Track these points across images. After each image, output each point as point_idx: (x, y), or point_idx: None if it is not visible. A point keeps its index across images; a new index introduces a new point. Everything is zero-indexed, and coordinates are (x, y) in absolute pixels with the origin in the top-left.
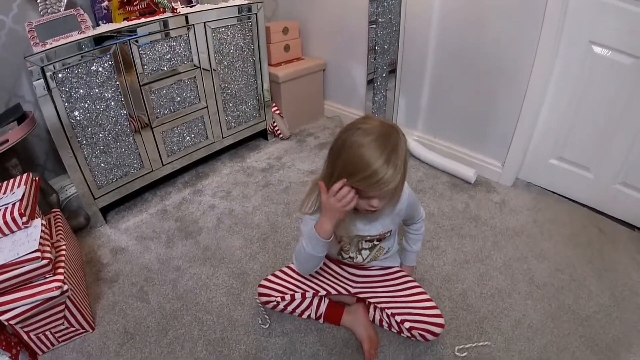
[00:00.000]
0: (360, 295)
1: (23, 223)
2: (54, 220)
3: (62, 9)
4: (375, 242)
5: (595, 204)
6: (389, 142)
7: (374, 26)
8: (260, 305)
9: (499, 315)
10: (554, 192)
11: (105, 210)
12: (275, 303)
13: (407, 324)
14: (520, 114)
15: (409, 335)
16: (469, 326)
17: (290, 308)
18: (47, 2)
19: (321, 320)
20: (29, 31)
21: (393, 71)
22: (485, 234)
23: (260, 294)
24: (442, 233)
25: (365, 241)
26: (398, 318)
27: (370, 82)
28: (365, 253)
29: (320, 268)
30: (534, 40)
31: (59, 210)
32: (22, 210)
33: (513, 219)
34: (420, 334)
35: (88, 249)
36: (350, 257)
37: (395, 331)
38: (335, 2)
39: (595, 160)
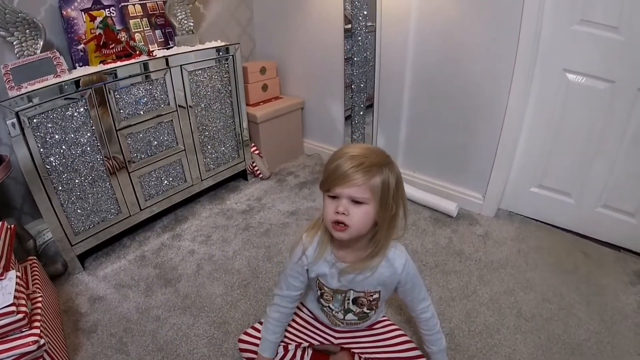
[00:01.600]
0: (345, 346)
1: None
2: (31, 269)
3: (39, 51)
4: (366, 311)
5: (578, 228)
6: (368, 153)
7: (350, 64)
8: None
9: (489, 352)
10: (537, 220)
11: (83, 257)
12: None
13: None
14: (499, 145)
15: None
16: None
17: None
18: (23, 45)
19: None
20: (4, 74)
21: (370, 106)
22: (470, 269)
23: (242, 350)
24: (427, 271)
25: (353, 304)
26: None
27: (348, 118)
28: (349, 316)
29: (302, 319)
30: (509, 72)
31: (35, 257)
32: None
33: (497, 251)
34: None
35: (66, 297)
36: (330, 308)
37: None
38: (312, 41)
39: (575, 185)
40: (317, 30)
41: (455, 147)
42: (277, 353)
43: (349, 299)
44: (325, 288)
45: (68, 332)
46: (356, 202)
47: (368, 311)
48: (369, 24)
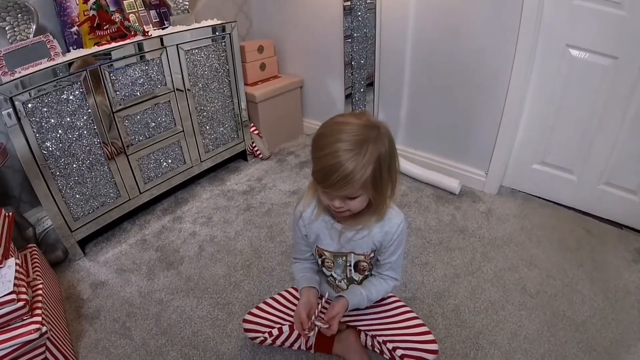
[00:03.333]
0: (350, 323)
1: None
2: (31, 256)
3: (31, 35)
4: (367, 273)
5: (581, 205)
6: (359, 135)
7: (350, 41)
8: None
9: (494, 329)
10: (539, 197)
11: (84, 243)
12: (262, 339)
13: (399, 352)
14: (501, 122)
15: None
16: (464, 343)
17: (279, 341)
18: (15, 29)
19: (312, 351)
20: None
21: (371, 84)
22: (474, 246)
23: (247, 330)
24: (430, 248)
25: (355, 270)
26: (390, 345)
27: (348, 97)
28: (352, 280)
29: None
30: (511, 48)
31: (35, 245)
32: None
33: (500, 227)
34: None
35: (67, 284)
36: (332, 277)
37: (388, 358)
38: (310, 18)
39: (578, 162)
40: (315, 7)
41: (457, 124)
42: (283, 332)
43: (350, 265)
44: (325, 253)
45: (70, 319)
46: (350, 198)
47: (369, 273)
48: (368, 0)
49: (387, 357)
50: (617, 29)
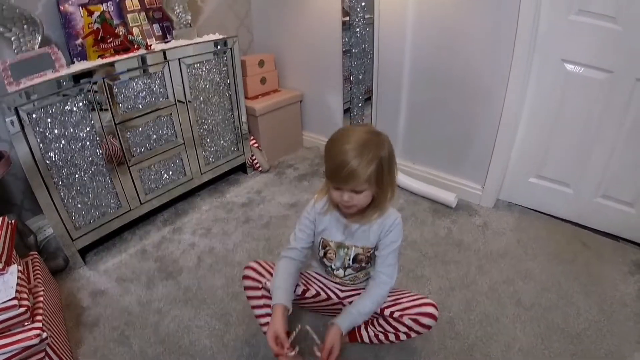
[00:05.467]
0: (349, 300)
1: None
2: (32, 264)
3: (37, 46)
4: (364, 265)
5: (577, 218)
6: (364, 139)
7: (349, 56)
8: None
9: (488, 341)
10: (536, 210)
11: (84, 251)
12: (259, 286)
13: (396, 314)
14: (497, 136)
15: (402, 329)
16: (458, 355)
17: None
18: (21, 40)
19: None
20: (2, 70)
21: (369, 99)
22: (470, 259)
23: (246, 277)
24: (426, 261)
25: (353, 262)
26: (387, 312)
27: (347, 111)
28: (348, 271)
29: (312, 271)
30: (507, 62)
31: (36, 252)
32: None
33: (496, 241)
34: (412, 319)
35: (67, 292)
36: (331, 267)
37: (385, 335)
38: (310, 33)
39: (574, 175)
40: (315, 22)
41: (454, 137)
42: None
43: (349, 257)
44: (330, 244)
45: (70, 326)
46: (357, 192)
47: (365, 265)
48: (367, 15)
49: (383, 336)
50: (612, 43)
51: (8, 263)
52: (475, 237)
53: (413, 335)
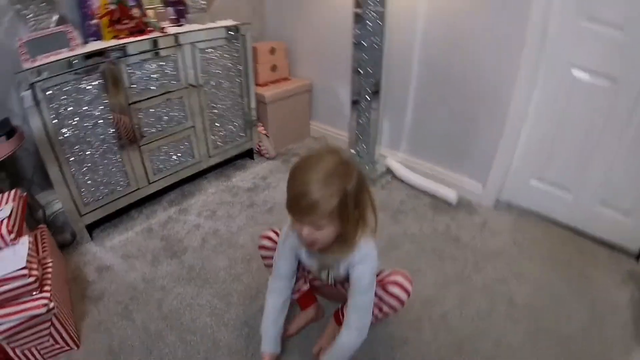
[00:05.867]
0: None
1: (11, 240)
2: (40, 237)
3: (53, 25)
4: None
5: (575, 223)
6: (329, 169)
7: (358, 48)
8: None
9: (479, 336)
10: (535, 213)
11: (91, 227)
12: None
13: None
14: (502, 136)
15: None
16: (448, 348)
17: None
18: (37, 18)
19: (296, 297)
20: (19, 47)
21: (377, 92)
22: (466, 256)
23: (265, 237)
24: (423, 255)
25: (335, 282)
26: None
27: (354, 103)
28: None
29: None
30: (515, 65)
31: (45, 226)
32: (10, 228)
33: (494, 240)
34: (383, 289)
35: (74, 266)
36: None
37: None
38: (321, 23)
39: (575, 180)
40: (327, 12)
41: (459, 135)
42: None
43: (331, 278)
44: (310, 268)
45: (75, 299)
46: (318, 227)
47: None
48: (378, 9)
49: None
50: (618, 52)
51: (20, 234)
52: (473, 234)
53: (386, 309)
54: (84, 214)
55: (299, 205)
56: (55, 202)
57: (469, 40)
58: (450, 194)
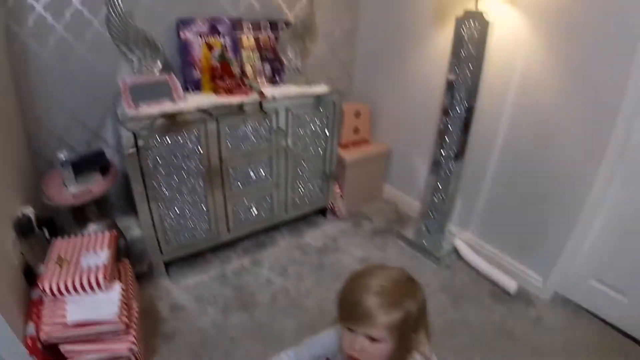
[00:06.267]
0: None
1: (106, 286)
2: (123, 270)
3: (156, 71)
4: None
5: (628, 329)
6: (394, 280)
7: (446, 117)
8: None
9: None
10: (590, 312)
11: (167, 263)
12: None
13: None
14: (571, 233)
15: None
16: None
17: None
18: (142, 63)
19: None
20: (123, 90)
21: (459, 165)
22: (516, 350)
23: None
24: (477, 345)
25: None
26: None
27: (432, 173)
28: None
29: None
30: (595, 164)
31: (127, 260)
32: (106, 274)
33: (545, 337)
34: None
35: (147, 298)
36: None
37: None
38: (408, 89)
39: (632, 285)
40: (417, 77)
41: (528, 226)
42: None
43: None
44: None
45: (148, 334)
46: (373, 340)
47: None
48: (473, 77)
49: None
50: None
51: (112, 279)
52: (526, 329)
53: None
54: (165, 252)
55: (355, 309)
56: (134, 229)
57: (553, 134)
58: (511, 285)
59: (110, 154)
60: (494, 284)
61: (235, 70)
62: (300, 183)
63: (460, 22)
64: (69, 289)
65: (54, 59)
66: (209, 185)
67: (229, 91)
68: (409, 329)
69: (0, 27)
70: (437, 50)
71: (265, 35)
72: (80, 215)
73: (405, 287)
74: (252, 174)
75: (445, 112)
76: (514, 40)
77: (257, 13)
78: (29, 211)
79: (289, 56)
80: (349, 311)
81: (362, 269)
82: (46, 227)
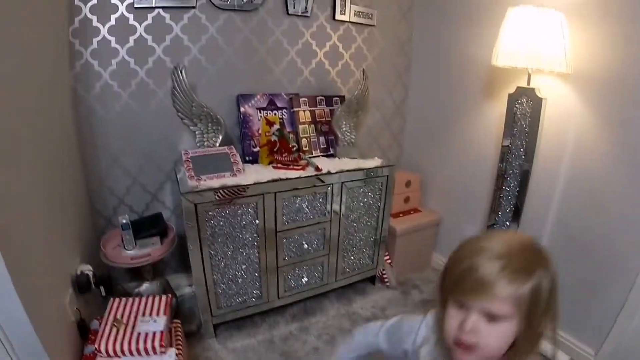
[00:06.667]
0: None
1: (161, 351)
2: (175, 331)
3: (217, 144)
4: None
5: None
6: (514, 250)
7: (500, 183)
8: None
9: None
10: None
11: (216, 324)
12: None
13: None
14: (623, 307)
15: None
16: None
17: None
18: (204, 136)
19: None
20: (185, 160)
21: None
22: None
23: None
24: None
25: None
26: None
27: None
28: None
29: None
30: None
31: (179, 321)
32: (163, 341)
33: None
34: None
35: (194, 358)
36: None
37: None
38: (458, 157)
39: None
40: (467, 148)
41: (580, 296)
42: None
43: None
44: None
45: None
46: (491, 318)
47: None
48: (527, 146)
49: None
50: None
51: (169, 344)
52: None
53: None
54: (215, 315)
55: (475, 275)
56: (184, 287)
57: (607, 203)
58: (563, 358)
59: (167, 215)
60: (545, 357)
61: (293, 145)
62: (351, 252)
63: (513, 99)
64: (124, 351)
65: (119, 123)
66: (263, 255)
67: (287, 165)
68: (540, 311)
69: (66, 89)
70: (488, 120)
71: (321, 109)
72: (135, 274)
73: (536, 255)
74: (305, 244)
75: (499, 177)
76: (566, 112)
77: (313, 88)
78: (88, 269)
79: (343, 129)
80: (461, 279)
81: (477, 235)
82: (102, 285)
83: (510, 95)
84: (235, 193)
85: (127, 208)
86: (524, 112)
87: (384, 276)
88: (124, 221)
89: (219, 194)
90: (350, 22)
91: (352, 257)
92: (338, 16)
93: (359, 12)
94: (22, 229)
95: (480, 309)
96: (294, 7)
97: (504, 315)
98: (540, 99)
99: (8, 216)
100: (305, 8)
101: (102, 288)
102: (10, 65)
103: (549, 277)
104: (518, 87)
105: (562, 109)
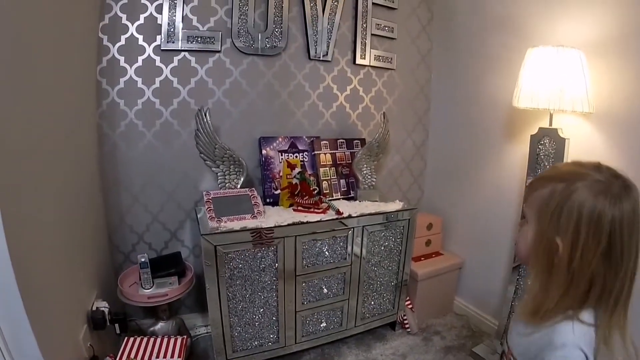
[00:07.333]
0: None
1: None
2: None
3: (239, 186)
4: None
5: None
6: (560, 166)
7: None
8: None
9: None
10: None
11: None
12: None
13: None
14: None
15: None
16: None
17: None
18: (226, 177)
19: None
20: (206, 201)
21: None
22: None
23: None
24: None
25: None
26: None
27: (511, 284)
28: None
29: None
30: None
31: None
32: None
33: None
34: None
35: None
36: None
37: None
38: (482, 199)
39: None
40: (489, 189)
41: None
42: None
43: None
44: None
45: None
46: (525, 220)
47: None
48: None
49: None
50: None
51: None
52: None
53: None
54: (230, 358)
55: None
56: (199, 327)
57: None
58: None
59: (186, 254)
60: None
61: (314, 188)
62: (371, 297)
63: (535, 140)
64: None
65: (142, 162)
66: (282, 298)
67: (307, 208)
68: (548, 216)
69: (92, 126)
70: (510, 161)
71: (342, 152)
72: (151, 311)
73: (575, 168)
74: (324, 288)
75: (523, 218)
76: (590, 151)
77: (333, 131)
78: (104, 306)
79: (364, 172)
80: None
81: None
82: (117, 322)
83: (532, 136)
84: (254, 234)
85: (146, 245)
86: (547, 153)
87: (405, 321)
88: (143, 260)
89: (254, 234)
90: (370, 66)
91: (373, 302)
92: (358, 60)
93: (379, 56)
94: (41, 262)
95: (524, 214)
96: (316, 52)
97: (528, 217)
98: (563, 139)
99: (28, 247)
100: (327, 53)
101: (117, 325)
102: (42, 107)
103: (568, 192)
104: (540, 128)
105: (586, 148)
